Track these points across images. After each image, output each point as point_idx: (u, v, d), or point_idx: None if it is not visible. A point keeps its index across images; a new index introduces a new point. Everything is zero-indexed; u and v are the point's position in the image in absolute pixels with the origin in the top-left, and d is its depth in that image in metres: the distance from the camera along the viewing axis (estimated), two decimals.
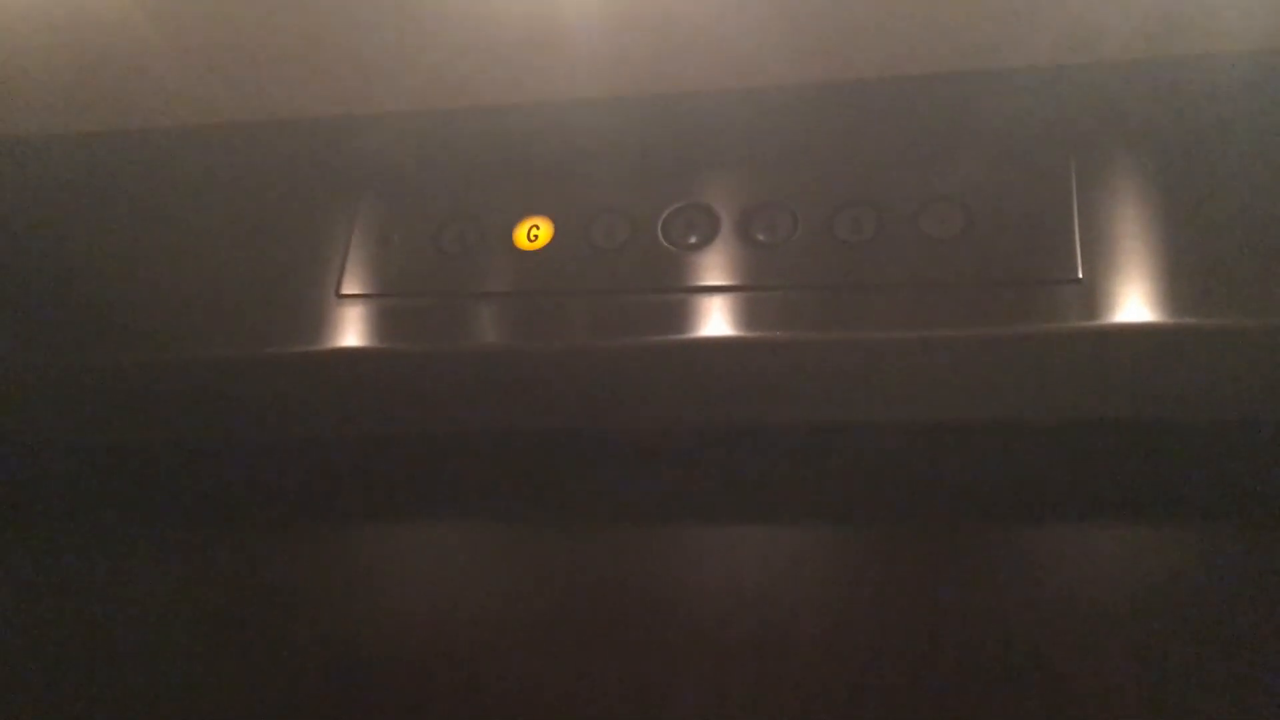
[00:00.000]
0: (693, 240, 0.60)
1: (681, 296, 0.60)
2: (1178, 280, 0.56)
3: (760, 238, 0.60)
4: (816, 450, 0.64)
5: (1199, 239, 0.56)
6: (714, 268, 0.60)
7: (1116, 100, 0.59)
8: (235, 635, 0.69)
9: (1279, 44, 0.57)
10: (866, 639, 0.64)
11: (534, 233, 0.62)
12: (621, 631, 0.65)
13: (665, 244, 0.60)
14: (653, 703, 0.64)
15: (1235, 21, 0.57)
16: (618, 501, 0.66)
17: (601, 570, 0.66)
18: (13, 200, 0.68)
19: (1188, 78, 0.59)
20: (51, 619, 0.72)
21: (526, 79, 0.60)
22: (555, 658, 0.64)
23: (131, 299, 0.64)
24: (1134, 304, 0.56)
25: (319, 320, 0.61)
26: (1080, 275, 0.56)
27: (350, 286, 0.62)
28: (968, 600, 0.64)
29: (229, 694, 0.69)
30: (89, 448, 0.71)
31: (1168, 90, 0.59)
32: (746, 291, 0.59)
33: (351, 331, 0.61)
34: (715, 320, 0.59)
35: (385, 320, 0.61)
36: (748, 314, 0.59)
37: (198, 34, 0.58)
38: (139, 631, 0.70)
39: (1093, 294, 0.56)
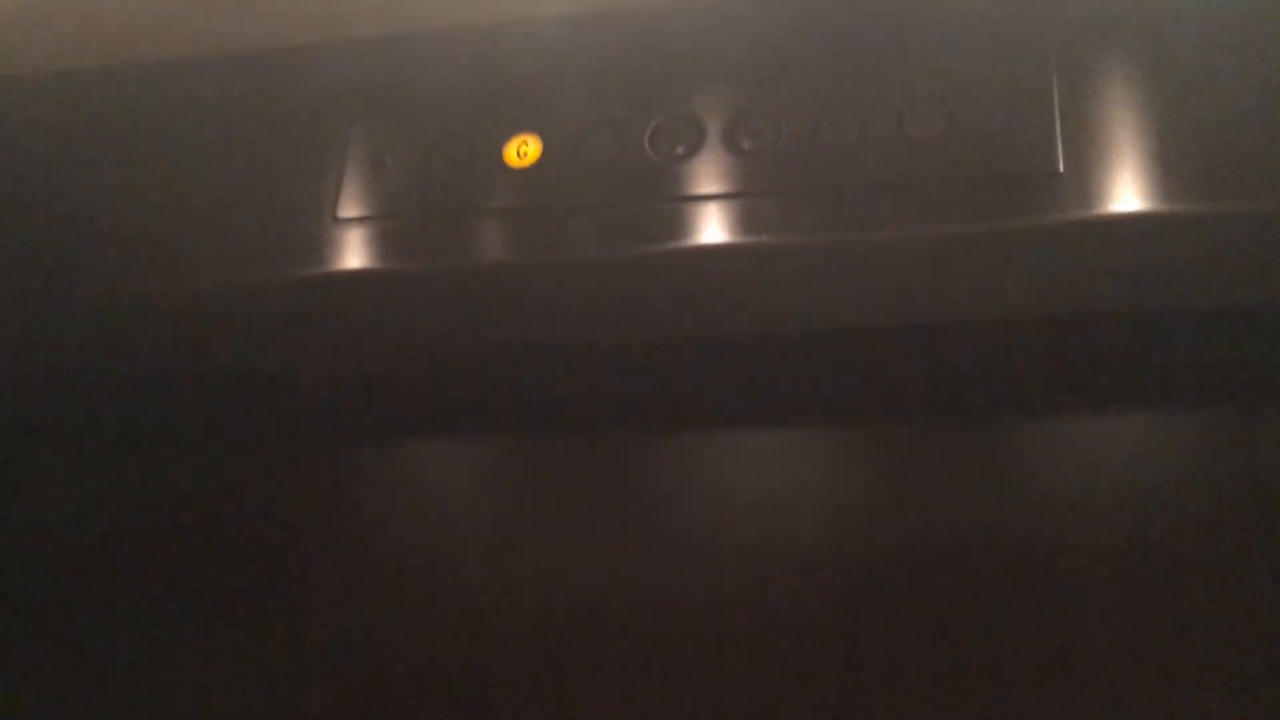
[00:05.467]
0: (680, 151, 0.61)
1: (672, 206, 0.61)
2: (1158, 168, 0.57)
3: (746, 145, 0.61)
4: (808, 355, 0.66)
5: (1179, 127, 0.57)
6: (702, 177, 0.61)
7: None
8: (240, 561, 0.71)
9: None
10: (862, 541, 0.66)
11: (523, 150, 0.63)
12: (622, 540, 0.66)
13: (653, 156, 0.61)
14: (654, 608, 0.66)
15: None
16: (615, 414, 0.68)
17: (600, 482, 0.68)
18: (6, 140, 0.69)
19: None
20: (68, 544, 0.74)
21: None
22: (557, 568, 0.66)
23: (128, 231, 0.65)
24: (1114, 194, 0.57)
25: (318, 244, 0.63)
26: (1060, 169, 0.57)
27: (347, 210, 0.64)
28: (962, 498, 0.66)
29: (239, 615, 0.71)
30: (87, 379, 0.73)
31: None
32: (735, 199, 0.60)
33: (351, 254, 0.63)
34: (706, 228, 0.60)
35: (383, 242, 0.63)
36: (737, 220, 0.60)
37: None
38: (146, 554, 0.72)
39: (1073, 186, 0.57)
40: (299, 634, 0.70)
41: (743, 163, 0.60)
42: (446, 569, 0.69)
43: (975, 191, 0.58)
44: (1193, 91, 0.57)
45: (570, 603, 0.68)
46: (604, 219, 0.61)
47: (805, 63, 0.62)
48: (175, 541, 0.73)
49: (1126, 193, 0.57)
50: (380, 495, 0.71)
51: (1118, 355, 0.64)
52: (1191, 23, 0.58)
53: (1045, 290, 0.61)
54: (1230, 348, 0.63)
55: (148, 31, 0.63)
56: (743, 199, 0.60)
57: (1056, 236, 0.58)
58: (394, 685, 0.67)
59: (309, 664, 0.70)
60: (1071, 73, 0.59)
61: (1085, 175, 0.57)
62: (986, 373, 0.66)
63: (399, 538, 0.70)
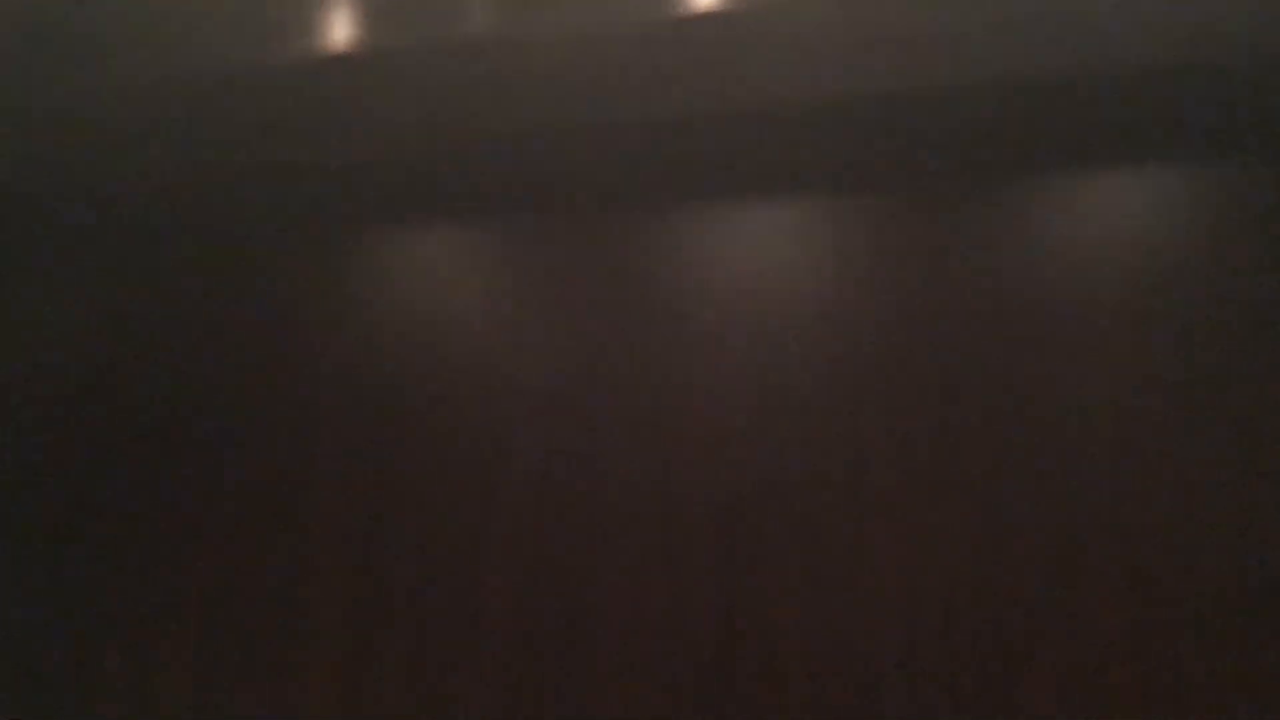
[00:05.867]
0: None
1: None
2: None
3: None
4: (807, 127, 0.65)
5: None
6: None
7: None
8: (248, 350, 0.72)
9: None
10: (866, 302, 0.67)
11: None
12: (629, 312, 0.67)
13: None
14: (658, 384, 0.67)
15: None
16: (613, 193, 0.68)
17: (600, 262, 0.68)
18: None
19: None
20: (71, 349, 0.75)
21: None
22: (559, 351, 0.67)
23: (110, 18, 0.64)
24: None
25: (306, 21, 0.62)
26: None
27: None
28: (965, 261, 0.66)
29: (251, 402, 0.73)
30: (90, 186, 0.73)
31: None
32: None
33: (339, 30, 0.62)
34: None
35: (373, 17, 0.62)
36: None
37: None
38: (153, 348, 0.73)
39: None
40: (307, 424, 0.71)
41: None
42: (448, 353, 0.70)
43: None
44: None
45: (573, 384, 0.69)
46: None
47: None
48: (176, 340, 0.74)
49: None
50: (382, 281, 0.72)
51: (1119, 114, 0.64)
52: None
53: (1049, 46, 0.60)
54: (1235, 104, 0.62)
55: None
56: None
57: None
58: (399, 473, 0.69)
59: (316, 454, 0.71)
60: None
61: None
62: (987, 136, 0.66)
63: (396, 324, 0.71)
